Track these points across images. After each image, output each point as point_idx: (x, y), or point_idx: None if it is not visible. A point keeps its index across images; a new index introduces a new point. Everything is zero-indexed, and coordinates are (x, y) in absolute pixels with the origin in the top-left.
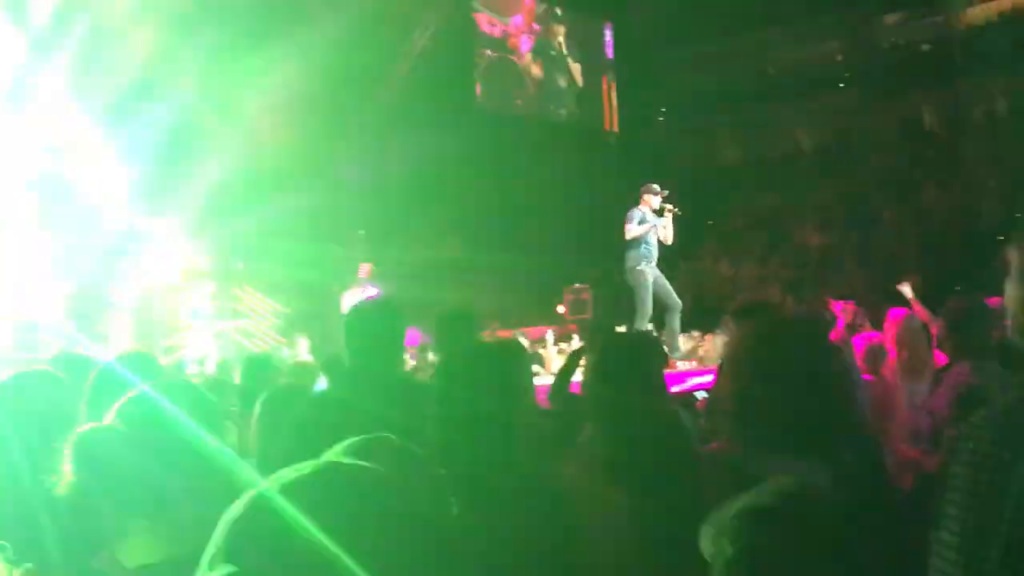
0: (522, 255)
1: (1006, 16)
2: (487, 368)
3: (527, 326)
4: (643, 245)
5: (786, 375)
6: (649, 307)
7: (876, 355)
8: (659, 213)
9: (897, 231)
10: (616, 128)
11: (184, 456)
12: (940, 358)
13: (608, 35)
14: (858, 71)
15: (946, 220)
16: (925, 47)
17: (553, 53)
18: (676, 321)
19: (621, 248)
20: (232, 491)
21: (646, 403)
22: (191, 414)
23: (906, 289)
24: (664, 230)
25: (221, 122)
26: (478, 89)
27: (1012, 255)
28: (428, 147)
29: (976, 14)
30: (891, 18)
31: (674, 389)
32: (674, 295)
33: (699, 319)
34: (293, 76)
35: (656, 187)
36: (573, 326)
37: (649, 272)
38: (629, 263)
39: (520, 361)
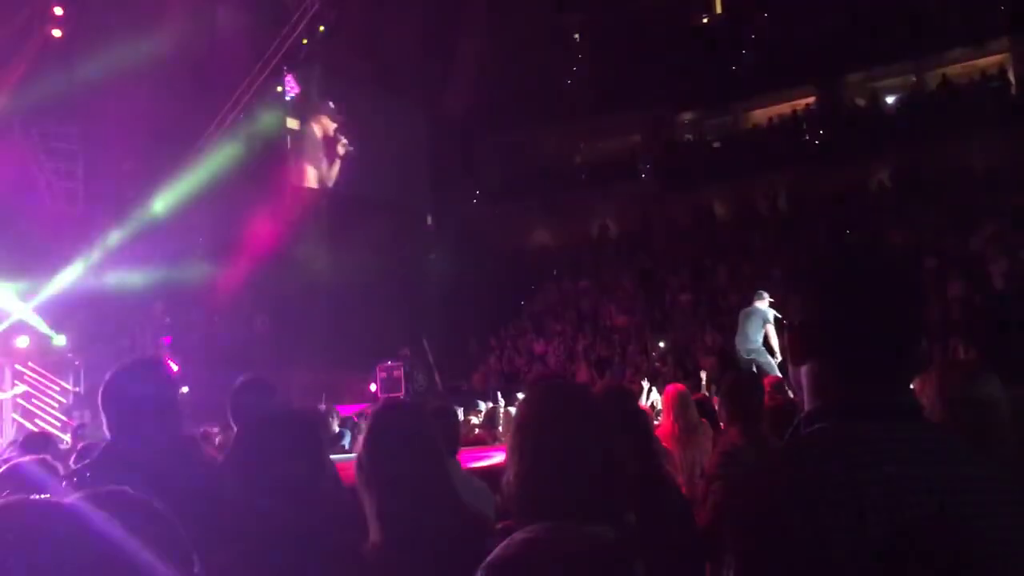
0: (333, 332)
1: (786, 118)
2: (286, 433)
3: (339, 404)
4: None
5: (555, 443)
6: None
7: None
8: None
9: (693, 313)
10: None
11: None
12: None
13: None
14: (657, 163)
15: (737, 305)
16: (716, 143)
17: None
18: None
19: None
20: None
21: (421, 474)
22: None
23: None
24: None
25: None
26: (292, 163)
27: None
28: (238, 219)
29: (758, 116)
30: (685, 116)
31: (476, 464)
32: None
33: (509, 396)
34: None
35: (764, 293)
36: None
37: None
38: (753, 344)
39: (320, 429)
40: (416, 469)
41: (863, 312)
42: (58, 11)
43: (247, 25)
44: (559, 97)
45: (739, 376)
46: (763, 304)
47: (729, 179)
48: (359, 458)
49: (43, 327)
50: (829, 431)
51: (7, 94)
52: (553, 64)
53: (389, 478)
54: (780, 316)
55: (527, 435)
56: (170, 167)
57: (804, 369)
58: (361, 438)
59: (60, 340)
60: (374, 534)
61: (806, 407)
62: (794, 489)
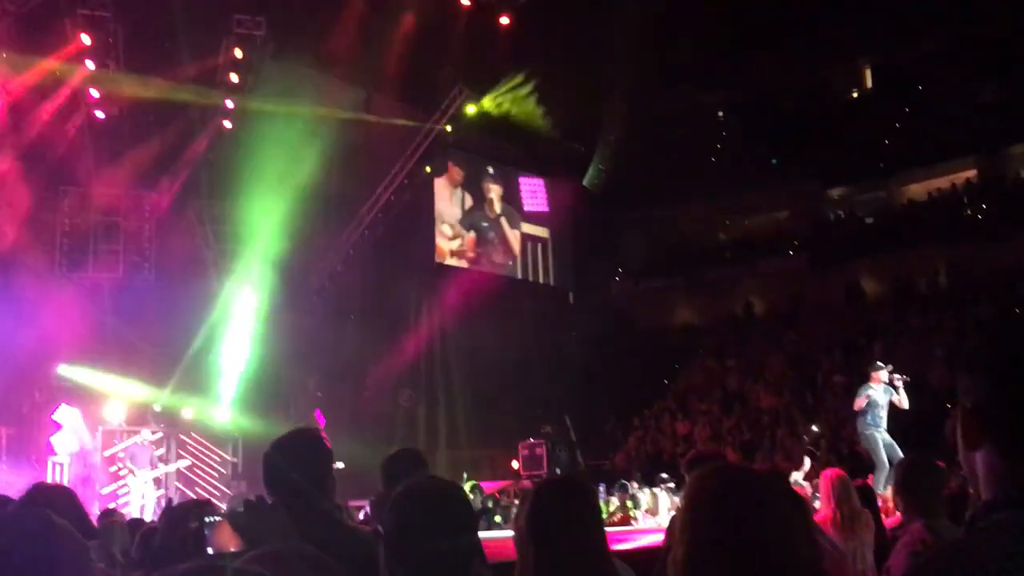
0: (476, 409)
1: (945, 192)
2: (446, 508)
3: (481, 480)
4: (870, 414)
5: (736, 534)
6: (885, 463)
7: None
8: (890, 384)
9: (846, 395)
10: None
11: None
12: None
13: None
14: (805, 239)
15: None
16: (868, 219)
17: (508, 214)
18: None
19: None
20: None
21: (579, 549)
22: None
23: None
24: (897, 395)
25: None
26: (437, 242)
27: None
28: (384, 297)
29: (914, 191)
30: (835, 192)
31: (620, 547)
32: (900, 453)
33: (652, 477)
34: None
35: (880, 364)
36: (528, 482)
37: (879, 435)
38: (860, 428)
39: (469, 501)
40: (578, 545)
41: None
42: (229, 104)
43: (400, 110)
44: (702, 173)
45: (913, 461)
46: (873, 382)
47: (883, 255)
48: (521, 528)
49: (211, 400)
50: (1009, 524)
51: (182, 179)
52: (696, 140)
53: (550, 550)
54: (900, 381)
55: (698, 518)
56: (328, 245)
57: (979, 455)
58: (525, 509)
59: (222, 414)
60: None
61: (983, 495)
62: None
